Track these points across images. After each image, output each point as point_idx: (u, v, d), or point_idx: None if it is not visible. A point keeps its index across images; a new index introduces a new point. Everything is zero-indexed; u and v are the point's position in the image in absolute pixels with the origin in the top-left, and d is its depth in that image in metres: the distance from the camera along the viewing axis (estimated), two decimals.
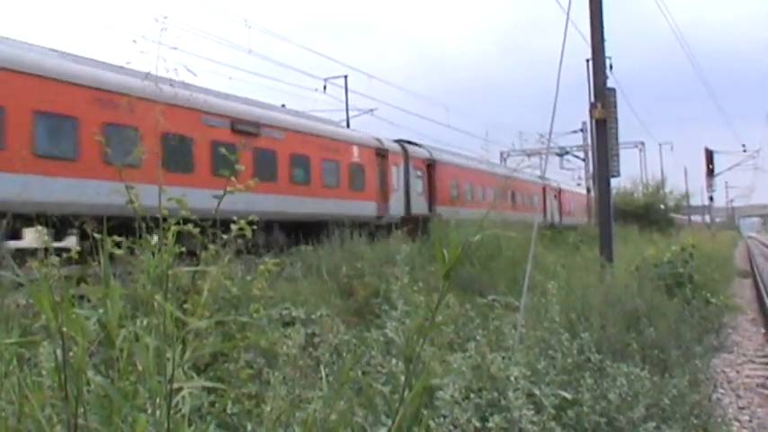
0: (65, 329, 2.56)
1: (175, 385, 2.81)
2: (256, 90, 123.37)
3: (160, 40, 4.29)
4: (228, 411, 4.94)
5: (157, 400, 2.80)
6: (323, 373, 4.85)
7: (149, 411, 2.80)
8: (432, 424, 4.92)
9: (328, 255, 19.28)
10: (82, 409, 2.67)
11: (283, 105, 33.72)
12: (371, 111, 59.72)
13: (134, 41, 4.48)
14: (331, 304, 11.96)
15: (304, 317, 8.82)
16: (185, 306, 4.72)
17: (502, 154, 77.79)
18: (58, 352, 2.61)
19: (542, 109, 22.73)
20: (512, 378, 5.78)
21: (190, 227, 4.66)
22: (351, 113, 58.57)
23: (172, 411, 2.81)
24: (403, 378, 3.50)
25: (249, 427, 4.52)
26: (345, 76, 59.14)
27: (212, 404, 4.66)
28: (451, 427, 5.05)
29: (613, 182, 20.86)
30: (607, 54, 20.18)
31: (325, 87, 57.63)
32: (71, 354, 2.67)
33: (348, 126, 50.35)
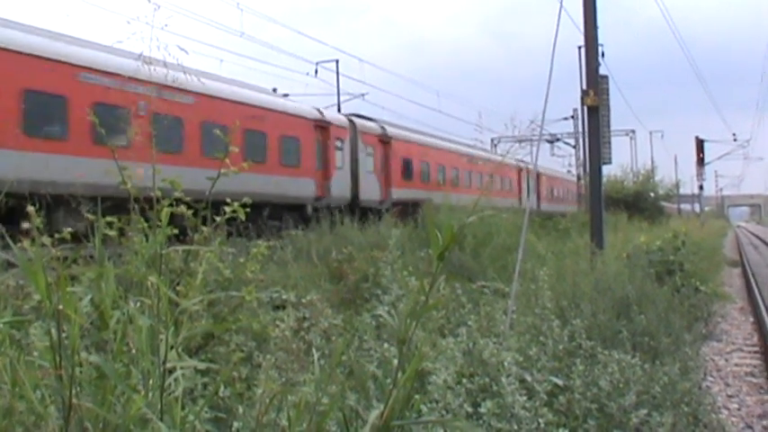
0: (60, 308, 2.53)
1: (168, 365, 2.79)
2: (248, 73, 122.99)
3: (152, 21, 4.28)
4: (220, 394, 4.92)
5: (150, 382, 2.78)
6: (315, 357, 4.83)
7: (142, 393, 2.78)
8: (424, 408, 4.91)
9: (318, 239, 19.23)
10: (75, 390, 2.65)
11: (275, 89, 33.65)
12: (362, 95, 59.83)
13: (128, 22, 4.48)
14: (321, 288, 11.93)
15: (294, 300, 8.80)
16: (178, 288, 4.70)
17: (492, 140, 77.57)
18: (53, 331, 2.58)
19: (532, 94, 22.72)
20: (505, 364, 5.77)
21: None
22: (342, 98, 58.70)
23: (165, 393, 2.79)
24: (395, 362, 3.48)
25: (240, 410, 4.50)
26: (336, 61, 59.16)
27: (204, 386, 4.65)
28: (444, 412, 5.04)
29: (604, 169, 20.85)
30: (599, 42, 20.14)
31: (316, 71, 57.63)
32: (64, 334, 2.64)
33: (339, 110, 52.30)
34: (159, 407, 2.73)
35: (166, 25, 4.42)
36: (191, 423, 3.03)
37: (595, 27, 19.65)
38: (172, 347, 2.84)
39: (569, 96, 34.84)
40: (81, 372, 2.74)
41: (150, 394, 2.74)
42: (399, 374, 3.35)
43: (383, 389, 3.75)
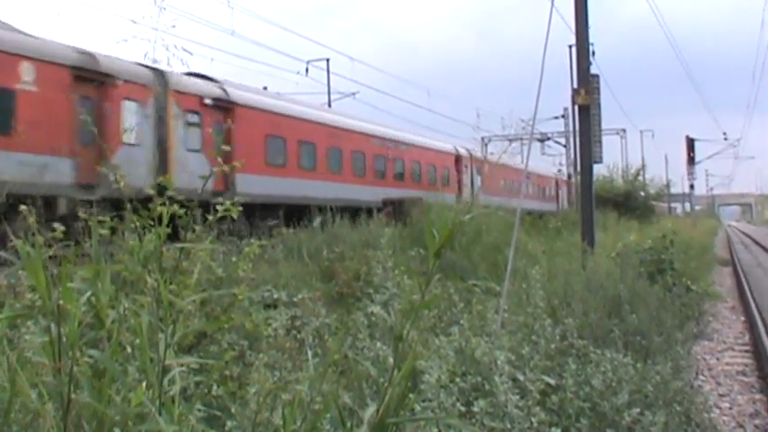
0: (61, 303, 2.52)
1: (166, 362, 2.78)
2: (238, 72, 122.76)
3: (158, 21, 4.31)
4: (213, 393, 4.91)
5: (149, 378, 2.77)
6: (309, 355, 4.82)
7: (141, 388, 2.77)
8: (417, 407, 4.91)
9: (309, 238, 19.17)
10: (74, 386, 2.64)
11: (265, 88, 33.69)
12: (353, 94, 59.92)
13: (134, 22, 4.52)
14: (313, 288, 11.91)
15: (286, 299, 8.80)
16: (171, 287, 4.69)
17: (483, 139, 77.59)
18: (53, 327, 2.57)
19: (523, 93, 22.75)
20: (497, 363, 5.78)
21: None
22: (333, 96, 58.79)
23: (162, 390, 2.78)
24: (390, 360, 3.48)
25: (233, 409, 4.49)
26: (327, 59, 59.23)
27: (197, 385, 4.64)
28: (437, 411, 5.04)
29: (594, 168, 20.84)
30: (590, 41, 20.13)
31: (307, 70, 57.62)
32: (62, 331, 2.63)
33: (329, 105, 53.58)
34: (158, 403, 2.72)
35: (173, 26, 4.46)
36: (187, 420, 3.03)
37: (586, 26, 19.66)
38: (168, 345, 2.83)
39: (560, 95, 35.23)
40: (79, 368, 2.73)
41: (149, 391, 2.73)
42: (395, 372, 3.34)
43: (378, 387, 3.74)
